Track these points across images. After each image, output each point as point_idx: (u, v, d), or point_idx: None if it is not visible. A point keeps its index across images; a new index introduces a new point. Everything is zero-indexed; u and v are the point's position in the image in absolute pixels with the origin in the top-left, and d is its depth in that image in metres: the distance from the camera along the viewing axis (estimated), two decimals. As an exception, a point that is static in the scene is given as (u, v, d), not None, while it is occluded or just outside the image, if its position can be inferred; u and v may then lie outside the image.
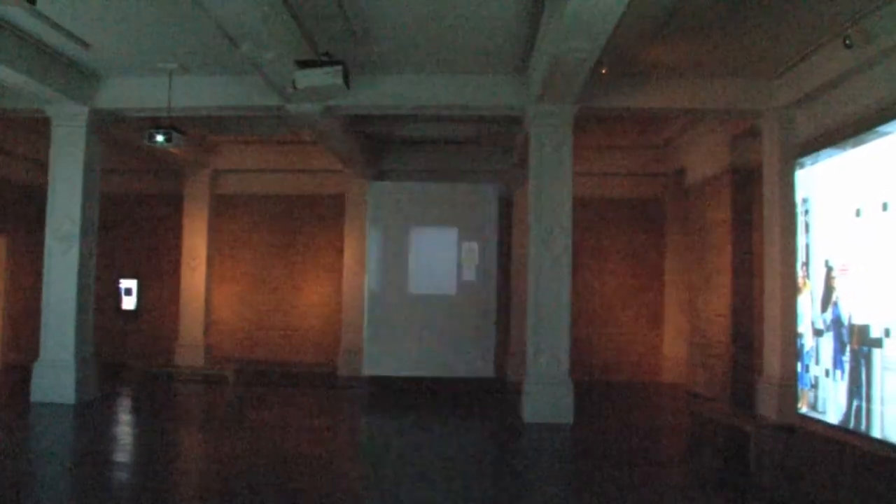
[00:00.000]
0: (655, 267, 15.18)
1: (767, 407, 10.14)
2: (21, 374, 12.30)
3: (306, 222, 16.26)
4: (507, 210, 15.14)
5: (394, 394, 13.02)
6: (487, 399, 12.74)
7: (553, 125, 10.35)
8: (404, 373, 13.42)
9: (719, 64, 9.83)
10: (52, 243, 10.98)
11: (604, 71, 9.78)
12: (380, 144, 14.77)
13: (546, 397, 10.09)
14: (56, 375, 10.73)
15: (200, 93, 10.84)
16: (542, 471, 7.81)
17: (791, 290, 10.10)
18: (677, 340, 14.72)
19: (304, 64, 8.25)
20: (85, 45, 9.59)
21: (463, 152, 14.85)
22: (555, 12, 7.52)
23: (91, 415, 10.21)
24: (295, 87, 8.46)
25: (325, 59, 8.41)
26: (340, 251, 15.60)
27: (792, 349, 10.01)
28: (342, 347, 15.03)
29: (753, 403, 10.87)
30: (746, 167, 11.88)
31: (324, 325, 15.95)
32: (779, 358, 10.03)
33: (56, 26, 8.91)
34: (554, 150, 10.35)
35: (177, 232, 16.17)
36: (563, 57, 8.16)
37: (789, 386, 9.96)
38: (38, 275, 11.50)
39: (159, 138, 10.19)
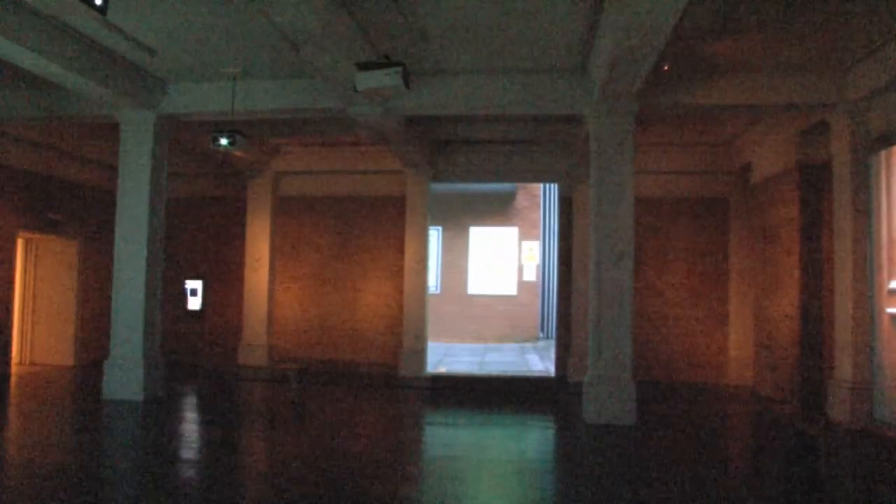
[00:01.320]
0: (720, 266, 14.87)
1: (839, 410, 9.86)
2: (93, 372, 12.68)
3: (367, 223, 16.39)
4: (567, 209, 15.02)
5: (455, 394, 13.02)
6: (548, 399, 12.64)
7: (613, 124, 10.22)
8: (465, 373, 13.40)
9: (786, 57, 9.60)
10: (120, 246, 11.28)
11: (665, 68, 9.64)
12: (439, 145, 14.80)
13: (607, 398, 9.97)
14: (125, 374, 11.03)
15: (263, 96, 11.02)
16: (605, 473, 7.70)
17: (863, 288, 9.85)
18: (743, 341, 14.40)
19: (364, 66, 8.31)
20: (151, 52, 9.84)
21: (522, 152, 14.77)
22: (615, 9, 7.42)
23: (158, 412, 10.45)
24: (356, 90, 8.52)
25: (385, 60, 8.45)
26: (401, 252, 15.67)
27: (865, 350, 9.76)
28: (403, 347, 15.10)
29: (824, 406, 10.58)
30: (815, 163, 11.57)
31: (385, 324, 16.05)
32: (851, 359, 9.75)
33: (124, 34, 9.17)
34: (615, 149, 10.22)
35: (240, 234, 16.47)
36: (623, 55, 8.08)
37: (863, 388, 9.70)
38: (108, 277, 11.83)
39: (223, 142, 10.41)
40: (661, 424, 10.32)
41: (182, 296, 16.38)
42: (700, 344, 14.83)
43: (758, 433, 10.28)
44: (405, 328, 15.15)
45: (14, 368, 13.94)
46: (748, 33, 8.82)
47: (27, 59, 8.99)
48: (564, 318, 14.90)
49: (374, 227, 16.33)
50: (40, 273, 15.17)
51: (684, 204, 15.11)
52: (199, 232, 17.16)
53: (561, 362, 14.88)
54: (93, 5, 6.22)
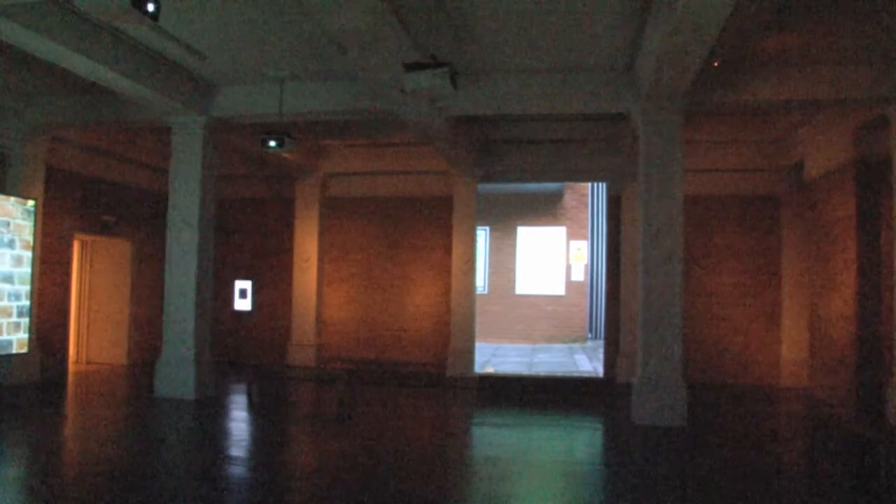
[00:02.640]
0: (772, 266, 14.58)
1: (899, 413, 9.60)
2: (145, 372, 12.93)
3: (414, 224, 16.43)
4: (615, 208, 14.88)
5: (502, 394, 12.98)
6: (596, 400, 12.53)
7: (662, 122, 10.08)
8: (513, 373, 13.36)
9: (841, 51, 9.35)
10: (172, 247, 11.47)
11: (716, 64, 9.49)
12: (487, 145, 14.76)
13: (657, 399, 9.83)
14: (177, 373, 11.21)
15: (310, 98, 11.10)
16: (655, 476, 7.58)
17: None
18: (797, 343, 14.10)
19: (411, 67, 8.31)
20: (202, 56, 9.98)
21: (570, 152, 14.66)
22: (664, 5, 7.32)
23: (208, 411, 10.61)
24: (403, 90, 8.53)
25: (432, 61, 8.45)
26: (448, 252, 15.67)
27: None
28: (451, 347, 15.10)
29: (883, 409, 10.30)
30: (872, 159, 11.25)
31: (432, 325, 16.07)
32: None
33: (175, 40, 9.32)
34: (663, 147, 10.08)
35: (289, 234, 16.63)
36: (672, 51, 7.96)
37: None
38: (160, 278, 12.05)
39: (272, 144, 10.52)
40: (712, 427, 10.16)
41: (232, 296, 16.61)
42: (752, 345, 14.57)
43: (813, 437, 10.05)
44: (453, 328, 15.15)
45: (71, 367, 14.27)
46: (802, 26, 8.62)
47: (83, 67, 9.21)
48: (613, 318, 14.77)
49: (421, 228, 16.37)
50: (95, 274, 15.52)
51: (735, 202, 14.85)
52: (249, 233, 17.38)
53: (609, 363, 14.75)
54: (145, 12, 6.33)
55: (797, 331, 14.10)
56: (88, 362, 15.25)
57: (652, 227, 10.03)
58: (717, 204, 14.86)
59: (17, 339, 10.55)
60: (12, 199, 10.66)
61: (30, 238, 10.78)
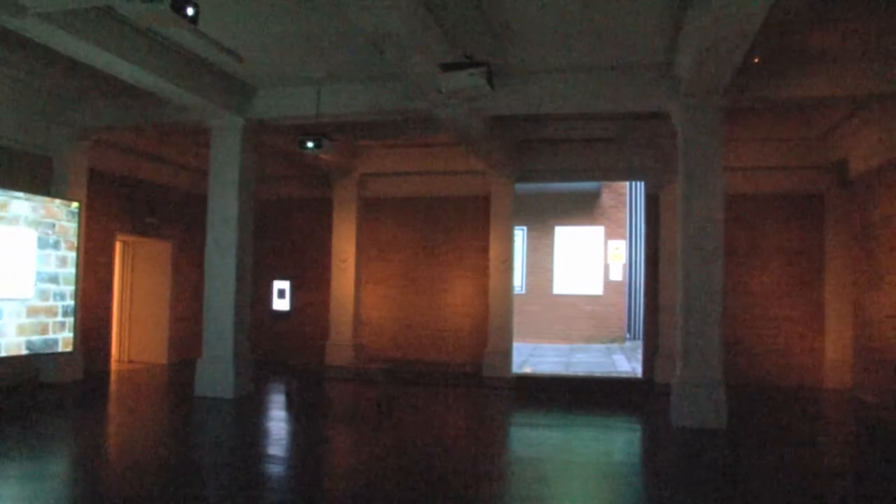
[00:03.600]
0: (815, 265, 14.32)
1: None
2: (186, 371, 13.10)
3: (451, 224, 16.43)
4: (654, 207, 14.73)
5: (540, 394, 12.93)
6: (635, 401, 12.43)
7: (701, 119, 9.94)
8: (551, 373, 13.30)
9: (886, 45, 9.14)
10: (211, 248, 11.60)
11: (756, 60, 9.34)
12: (523, 145, 14.71)
13: (696, 400, 9.70)
14: (216, 372, 11.33)
15: (347, 99, 11.15)
16: (695, 478, 7.49)
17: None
18: (841, 343, 13.83)
19: (448, 67, 8.31)
20: (240, 58, 10.08)
21: (607, 150, 14.55)
22: (703, 1, 7.23)
23: (247, 410, 10.71)
24: (440, 91, 8.54)
25: (468, 61, 8.44)
26: (486, 252, 15.64)
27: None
28: (488, 347, 15.07)
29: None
30: (919, 156, 11.00)
31: (469, 325, 16.06)
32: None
33: (214, 43, 9.43)
34: (703, 145, 9.95)
35: (327, 235, 16.72)
36: (711, 48, 7.86)
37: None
38: (200, 278, 12.20)
39: (309, 144, 10.60)
40: (753, 429, 10.01)
41: (270, 296, 16.73)
42: (794, 345, 14.32)
43: (858, 439, 9.86)
44: (490, 328, 15.12)
45: (113, 366, 14.51)
46: (845, 20, 8.44)
47: (126, 71, 9.37)
48: (652, 318, 14.62)
49: (458, 228, 16.36)
50: (137, 274, 15.75)
51: (776, 200, 14.61)
52: (287, 233, 17.51)
53: (648, 363, 14.61)
54: (185, 16, 6.43)
55: (841, 331, 13.83)
56: (130, 361, 15.49)
57: (692, 226, 9.90)
58: (758, 202, 14.63)
59: (63, 338, 10.78)
60: (57, 201, 10.88)
61: (74, 239, 11.00)
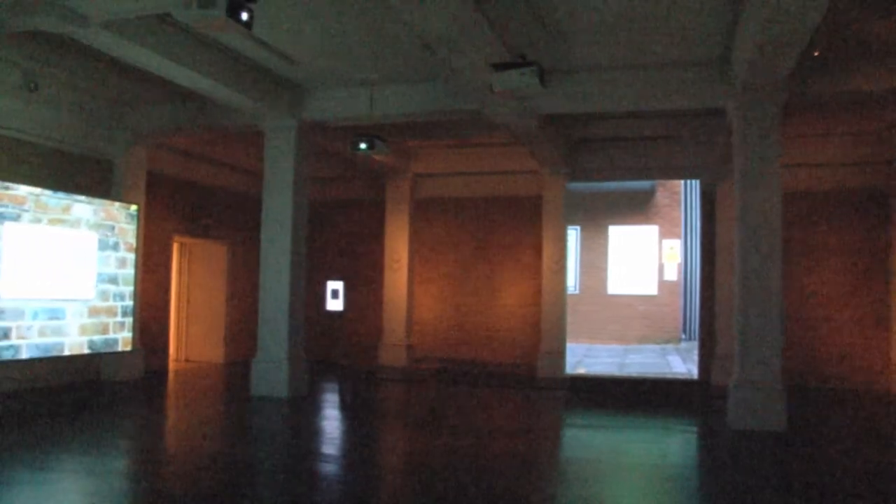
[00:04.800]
0: (879, 264, 13.89)
1: None
2: (241, 370, 13.29)
3: (504, 224, 16.38)
4: (710, 206, 14.47)
5: (594, 395, 12.81)
6: (690, 402, 12.23)
7: (758, 115, 9.72)
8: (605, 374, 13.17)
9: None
10: (266, 248, 11.74)
11: (816, 53, 9.10)
12: (576, 144, 14.59)
13: (754, 403, 9.48)
14: (271, 372, 11.45)
15: (400, 100, 11.19)
16: (753, 482, 7.30)
17: None
18: (908, 345, 13.40)
19: (499, 66, 8.29)
20: (292, 61, 10.20)
21: (662, 148, 14.35)
22: (761, -6, 7.07)
23: (302, 409, 10.81)
24: (492, 90, 8.52)
25: (520, 60, 8.40)
26: (539, 252, 15.56)
27: None
28: (542, 348, 14.99)
29: None
30: None
31: (522, 325, 15.99)
32: None
33: (268, 47, 9.56)
34: (760, 142, 9.73)
35: (380, 235, 16.81)
36: (769, 42, 7.69)
37: None
38: (255, 278, 12.37)
39: (362, 146, 10.68)
40: (814, 432, 9.77)
41: (324, 297, 16.89)
42: (857, 347, 13.93)
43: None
44: (543, 329, 15.04)
45: (171, 365, 14.79)
46: (909, 12, 8.19)
47: (182, 76, 9.57)
48: (708, 318, 14.39)
49: (511, 228, 16.31)
50: (193, 275, 16.04)
51: (837, 197, 14.22)
52: (340, 234, 17.66)
53: (704, 365, 14.35)
54: (240, 21, 6.53)
55: (908, 332, 13.40)
56: (187, 360, 15.77)
57: (749, 225, 9.69)
58: (819, 199, 14.27)
59: (122, 338, 11.02)
60: (117, 203, 11.14)
61: (133, 241, 11.24)
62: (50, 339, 9.77)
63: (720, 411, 10.38)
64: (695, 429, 10.60)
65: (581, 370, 15.53)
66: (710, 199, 14.45)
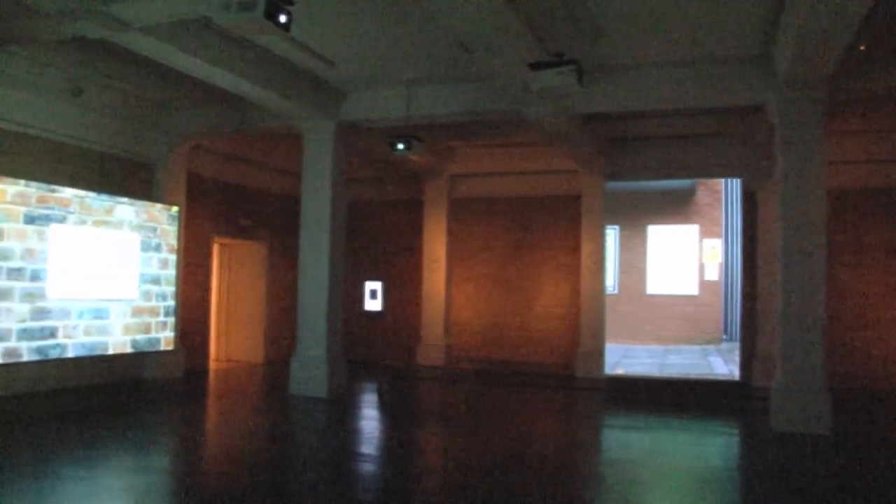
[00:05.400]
0: (928, 263, 13.56)
1: None
2: (280, 370, 13.40)
3: (542, 224, 16.30)
4: (751, 205, 14.25)
5: (633, 396, 12.70)
6: (732, 404, 12.06)
7: (802, 112, 9.54)
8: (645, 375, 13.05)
9: None
10: (305, 249, 11.82)
11: (862, 48, 8.90)
12: (614, 142, 14.47)
13: (798, 405, 9.32)
14: (310, 372, 11.53)
15: (437, 101, 11.19)
16: (797, 486, 7.18)
17: None
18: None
19: (537, 66, 8.25)
20: (330, 63, 10.26)
21: (701, 147, 14.16)
22: (803, -13, 6.94)
23: (340, 409, 10.86)
24: (530, 90, 8.48)
25: (557, 59, 8.35)
26: (577, 252, 15.46)
27: None
28: (580, 348, 14.89)
29: None
30: None
31: (561, 325, 15.90)
32: None
33: (306, 49, 9.63)
34: (803, 139, 9.54)
35: (417, 236, 16.85)
36: (812, 36, 7.53)
37: None
38: (294, 279, 12.47)
39: (400, 146, 10.69)
40: (860, 436, 9.58)
41: (363, 297, 16.96)
42: (904, 348, 13.61)
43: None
44: (582, 329, 14.95)
45: (212, 364, 14.97)
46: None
47: (222, 79, 9.68)
48: (749, 319, 14.16)
49: (549, 228, 16.23)
50: (233, 275, 16.21)
51: (884, 195, 13.90)
52: (379, 234, 17.72)
53: (746, 366, 14.13)
54: (278, 24, 6.59)
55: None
56: (227, 360, 15.94)
57: (791, 224, 9.52)
58: (864, 197, 13.97)
59: (164, 337, 11.18)
60: (158, 205, 11.30)
61: (174, 242, 11.40)
62: (95, 339, 9.96)
63: (763, 413, 10.21)
64: (737, 431, 10.45)
65: (620, 371, 15.41)
66: (751, 198, 14.22)
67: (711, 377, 14.84)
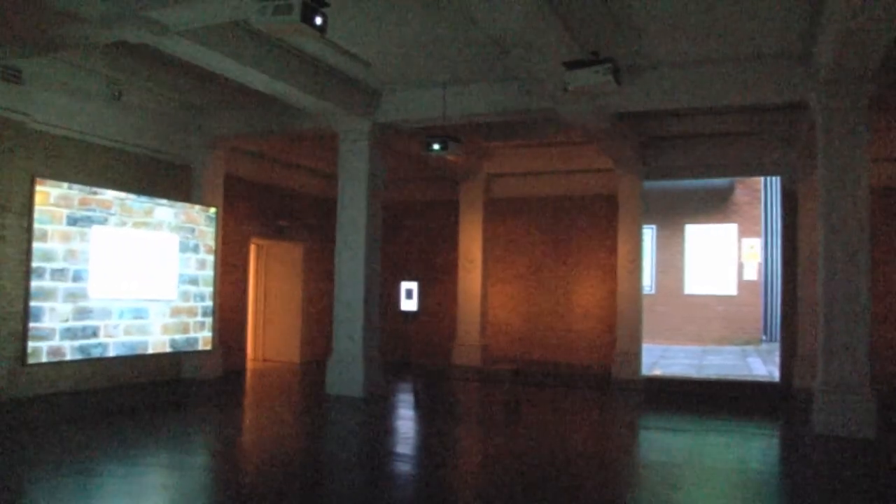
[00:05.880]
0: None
1: None
2: (317, 370, 13.48)
3: (578, 223, 16.21)
4: (791, 204, 14.02)
5: (671, 397, 12.57)
6: (772, 406, 11.89)
7: (844, 108, 9.34)
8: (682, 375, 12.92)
9: None
10: (341, 249, 11.88)
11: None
12: (651, 141, 14.33)
13: (841, 407, 9.13)
14: (346, 371, 11.58)
15: (472, 101, 11.18)
16: (841, 491, 7.04)
17: None
18: None
19: (573, 65, 8.19)
20: (366, 64, 10.30)
21: (740, 145, 13.96)
22: (847, -19, 6.81)
23: (376, 409, 10.89)
24: (566, 89, 8.43)
25: (594, 58, 8.29)
26: (613, 251, 15.35)
27: None
28: (617, 348, 14.79)
29: None
30: None
31: (597, 325, 15.80)
32: None
33: (341, 51, 9.67)
34: (846, 136, 9.35)
35: (453, 236, 16.85)
36: (855, 31, 7.39)
37: None
38: (330, 279, 12.54)
39: (436, 147, 10.68)
40: (905, 438, 9.37)
41: (398, 297, 17.00)
42: (951, 349, 13.30)
43: None
44: (619, 329, 14.83)
45: (249, 364, 15.10)
46: None
47: (259, 81, 9.76)
48: (790, 319, 13.93)
49: (585, 227, 16.13)
50: (270, 276, 16.34)
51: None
52: (414, 235, 17.76)
53: (786, 367, 13.92)
54: (314, 26, 6.62)
55: None
56: (264, 360, 16.07)
57: (833, 223, 9.34)
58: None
59: (203, 337, 11.29)
60: (197, 206, 11.42)
61: (212, 243, 11.50)
62: (135, 338, 10.09)
63: (804, 415, 10.05)
64: (777, 433, 10.29)
65: (657, 371, 15.27)
66: (792, 196, 13.99)
67: (750, 378, 14.65)
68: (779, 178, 15.09)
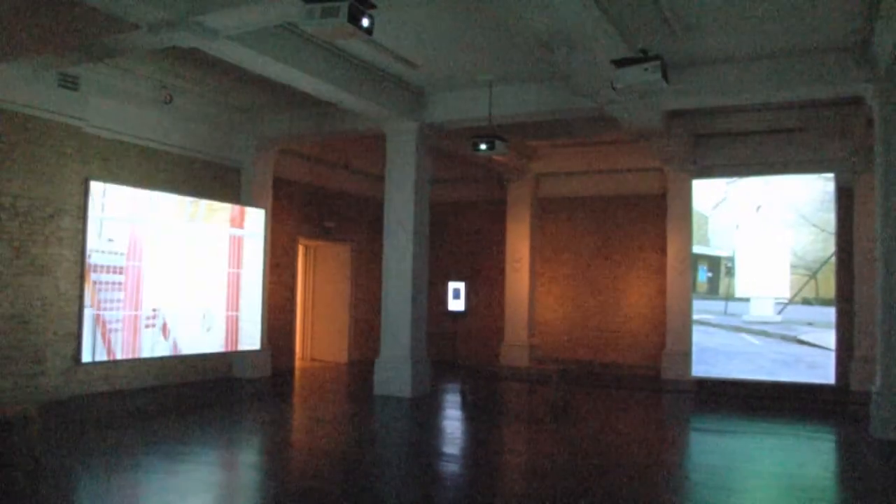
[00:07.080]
0: None
1: None
2: (364, 370, 13.54)
3: (626, 222, 16.04)
4: (846, 201, 13.69)
5: (722, 399, 12.37)
6: (826, 408, 11.62)
7: (904, 101, 9.10)
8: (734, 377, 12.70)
9: None
10: (388, 250, 11.91)
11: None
12: (701, 138, 14.10)
13: (901, 411, 8.90)
14: (394, 372, 11.62)
15: (519, 100, 11.14)
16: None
17: None
18: None
19: (621, 62, 8.09)
20: (413, 65, 10.32)
21: (791, 141, 13.67)
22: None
23: (424, 409, 10.90)
24: (613, 87, 8.34)
25: (642, 55, 8.18)
26: (663, 251, 15.16)
27: None
28: (666, 349, 14.60)
29: None
30: None
31: (646, 325, 15.62)
32: None
33: (389, 52, 9.70)
34: (906, 130, 9.10)
35: (501, 236, 16.80)
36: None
37: None
38: (377, 280, 12.59)
39: (482, 147, 10.66)
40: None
41: (446, 297, 17.00)
42: None
43: None
44: (668, 329, 14.65)
45: (297, 364, 15.23)
46: None
47: (307, 83, 9.83)
48: (845, 319, 13.59)
49: (633, 227, 15.96)
50: (318, 277, 16.47)
51: None
52: (462, 235, 17.75)
53: (842, 368, 13.58)
54: (361, 28, 6.64)
55: None
56: (313, 359, 16.20)
57: (892, 220, 9.09)
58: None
59: (252, 338, 11.42)
60: (247, 208, 11.56)
61: (261, 244, 11.64)
62: (186, 338, 10.24)
63: (861, 419, 9.81)
64: (833, 437, 10.05)
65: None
66: (847, 194, 13.65)
67: (804, 380, 14.32)
68: (832, 174, 14.74)
